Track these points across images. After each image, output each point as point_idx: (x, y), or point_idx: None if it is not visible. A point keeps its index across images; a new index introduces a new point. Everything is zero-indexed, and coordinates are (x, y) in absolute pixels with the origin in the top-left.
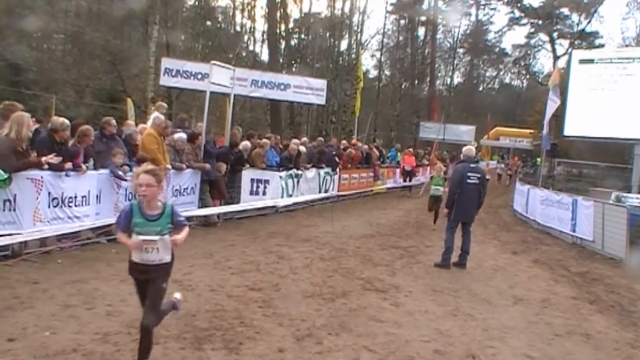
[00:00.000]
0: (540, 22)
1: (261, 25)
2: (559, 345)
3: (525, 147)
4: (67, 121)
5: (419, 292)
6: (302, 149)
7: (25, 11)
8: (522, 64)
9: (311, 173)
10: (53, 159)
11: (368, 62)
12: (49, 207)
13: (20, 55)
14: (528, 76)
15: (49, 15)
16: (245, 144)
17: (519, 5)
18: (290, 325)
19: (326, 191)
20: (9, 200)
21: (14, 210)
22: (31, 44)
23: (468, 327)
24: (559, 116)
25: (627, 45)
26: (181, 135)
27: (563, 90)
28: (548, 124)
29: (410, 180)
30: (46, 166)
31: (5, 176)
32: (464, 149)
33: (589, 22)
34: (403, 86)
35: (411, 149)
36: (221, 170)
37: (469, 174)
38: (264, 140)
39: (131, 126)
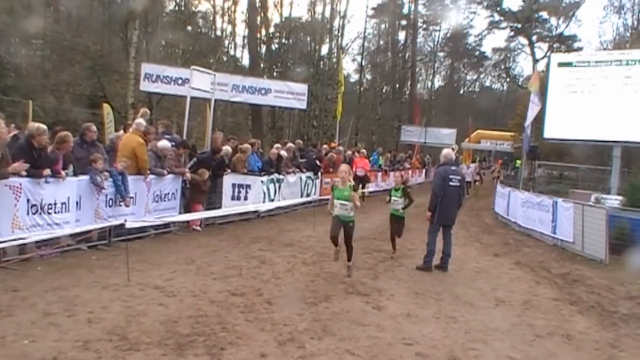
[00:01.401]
0: (519, 25)
1: (242, 29)
2: (540, 346)
3: (506, 150)
4: (43, 126)
5: (401, 295)
6: (284, 153)
7: (2, 16)
8: (502, 67)
9: (293, 177)
10: (22, 166)
11: (349, 66)
12: (27, 214)
13: None
14: (508, 79)
15: (27, 20)
16: (227, 148)
17: (498, 9)
18: (272, 330)
19: (308, 195)
20: None
21: None
22: (9, 49)
23: (450, 330)
24: (539, 119)
25: (604, 49)
26: (165, 142)
27: (543, 93)
28: (530, 126)
29: (363, 187)
30: (24, 173)
31: None
32: (444, 152)
33: (567, 25)
34: (384, 90)
35: (364, 151)
36: (203, 176)
37: (451, 176)
38: (246, 145)
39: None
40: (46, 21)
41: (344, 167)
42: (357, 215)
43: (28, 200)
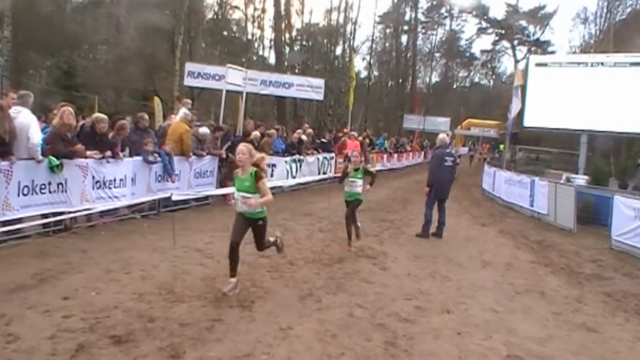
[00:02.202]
0: (503, 31)
1: (269, 33)
2: (519, 301)
3: (491, 136)
4: (103, 115)
5: (403, 258)
6: (304, 137)
7: (76, 27)
8: (489, 66)
9: (312, 158)
10: (95, 154)
11: (359, 64)
12: (93, 188)
13: (71, 64)
14: (494, 76)
15: (95, 30)
16: (255, 133)
17: (485, 17)
18: (294, 287)
19: (324, 173)
20: (61, 184)
21: (65, 191)
22: (80, 54)
23: (444, 287)
24: (520, 110)
25: (573, 52)
26: (205, 129)
27: (523, 88)
28: (513, 118)
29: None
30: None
31: (58, 162)
32: (439, 136)
33: (542, 32)
34: (389, 84)
35: (355, 133)
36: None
37: (446, 157)
38: (272, 130)
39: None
40: (109, 30)
41: (241, 147)
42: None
43: (93, 177)
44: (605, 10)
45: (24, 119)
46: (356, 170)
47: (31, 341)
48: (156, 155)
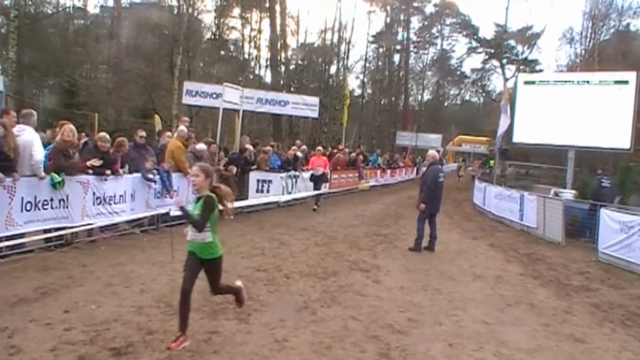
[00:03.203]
0: (492, 51)
1: (265, 53)
2: (509, 312)
3: (482, 152)
4: (106, 135)
5: (396, 271)
6: (299, 154)
7: (78, 48)
8: (479, 84)
9: (307, 174)
10: (95, 162)
11: (353, 83)
12: (93, 204)
13: (73, 83)
14: (484, 94)
15: (96, 51)
16: (249, 147)
17: (475, 37)
18: (290, 300)
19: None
20: (62, 200)
21: (67, 207)
22: (82, 73)
23: (436, 299)
24: (509, 126)
25: (560, 71)
26: (202, 145)
27: (512, 105)
28: (502, 135)
29: (319, 188)
30: (91, 170)
31: (60, 179)
32: (429, 153)
33: (530, 52)
34: (382, 102)
35: (320, 148)
36: (232, 171)
37: (440, 174)
38: (268, 147)
39: (166, 137)
40: (110, 50)
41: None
42: (360, 204)
43: (94, 193)
44: (590, 30)
45: (28, 137)
46: (198, 200)
47: (33, 353)
48: (155, 172)
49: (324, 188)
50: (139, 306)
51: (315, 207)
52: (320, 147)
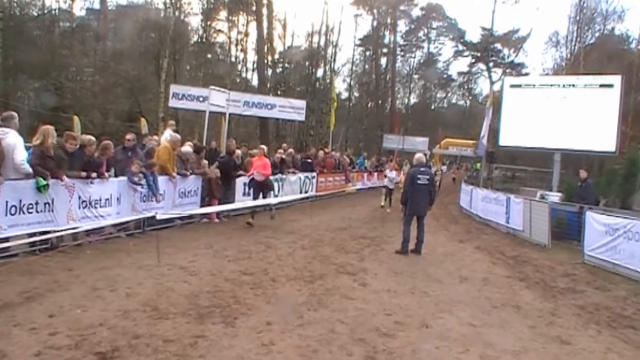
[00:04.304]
0: (479, 54)
1: (252, 56)
2: (496, 315)
3: (469, 155)
4: (93, 138)
5: (382, 274)
6: (285, 157)
7: (64, 51)
8: (466, 87)
9: (293, 177)
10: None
11: (340, 86)
12: (79, 208)
13: (58, 86)
14: (470, 97)
15: (82, 53)
16: (238, 152)
17: (461, 41)
18: (276, 303)
19: (306, 192)
20: (48, 203)
21: (52, 210)
22: (68, 76)
23: (423, 302)
24: (495, 129)
25: (546, 74)
26: (188, 148)
27: (498, 108)
28: (487, 135)
29: (264, 196)
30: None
31: (45, 182)
32: (416, 156)
33: (516, 55)
34: (369, 105)
35: (263, 147)
36: (216, 173)
37: (419, 176)
38: (255, 150)
39: (152, 140)
40: (96, 53)
41: None
42: (347, 207)
43: (79, 197)
44: (575, 34)
45: (11, 140)
46: None
47: (18, 358)
48: (141, 175)
49: (270, 196)
50: (124, 310)
51: (250, 219)
52: (263, 146)
